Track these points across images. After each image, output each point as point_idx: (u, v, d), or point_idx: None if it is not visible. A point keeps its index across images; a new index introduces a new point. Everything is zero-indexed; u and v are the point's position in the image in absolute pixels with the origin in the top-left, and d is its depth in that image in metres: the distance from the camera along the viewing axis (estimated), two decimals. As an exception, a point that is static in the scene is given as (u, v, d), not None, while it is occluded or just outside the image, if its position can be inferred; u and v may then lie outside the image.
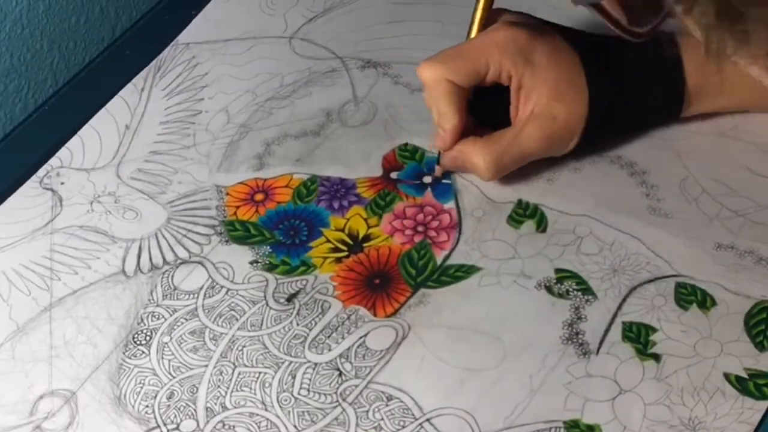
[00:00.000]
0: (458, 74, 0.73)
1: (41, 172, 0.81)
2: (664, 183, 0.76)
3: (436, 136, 0.75)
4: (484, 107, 0.77)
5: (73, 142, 0.83)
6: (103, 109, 0.84)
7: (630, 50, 0.75)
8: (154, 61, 0.87)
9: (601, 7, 0.46)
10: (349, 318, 0.71)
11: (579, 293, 0.71)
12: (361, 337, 0.70)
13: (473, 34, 0.75)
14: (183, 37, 0.89)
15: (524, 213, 0.75)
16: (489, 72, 0.73)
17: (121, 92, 0.85)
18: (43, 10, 0.91)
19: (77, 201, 0.79)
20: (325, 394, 0.68)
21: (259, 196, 0.78)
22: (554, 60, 0.74)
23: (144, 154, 0.82)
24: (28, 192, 0.80)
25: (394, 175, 0.79)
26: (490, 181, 0.76)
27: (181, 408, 0.68)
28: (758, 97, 0.77)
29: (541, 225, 0.75)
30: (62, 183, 0.80)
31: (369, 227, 0.76)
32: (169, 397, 0.68)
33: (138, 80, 0.86)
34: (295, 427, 0.66)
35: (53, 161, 0.82)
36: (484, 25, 0.75)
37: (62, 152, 0.82)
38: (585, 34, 0.77)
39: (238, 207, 0.78)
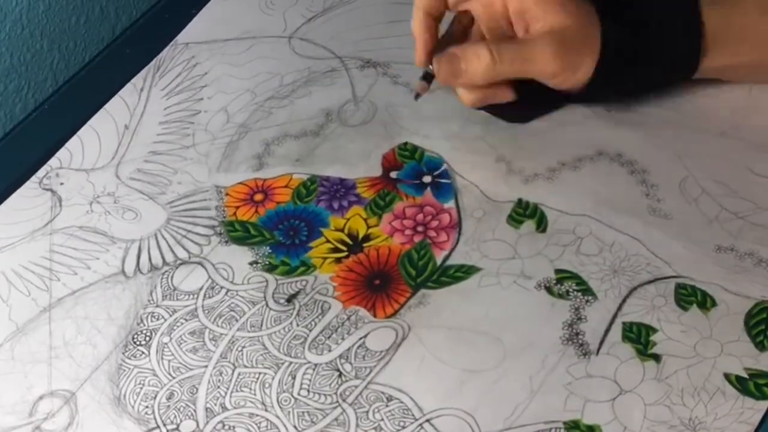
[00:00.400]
0: None
1: (41, 172, 0.81)
2: (664, 183, 0.76)
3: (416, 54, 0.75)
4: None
5: (73, 143, 0.83)
6: (102, 110, 0.84)
7: None
8: (153, 61, 0.87)
9: None
10: (349, 319, 0.71)
11: (579, 294, 0.71)
12: (361, 338, 0.70)
13: None
14: (182, 36, 0.89)
15: (524, 213, 0.75)
16: None
17: (121, 92, 0.85)
18: (43, 10, 0.91)
19: (77, 201, 0.79)
20: (325, 395, 0.68)
21: (258, 197, 0.78)
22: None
23: (143, 155, 0.82)
24: (28, 192, 0.80)
25: (393, 174, 0.79)
26: (479, 91, 0.74)
27: (181, 408, 0.68)
28: None
29: (541, 225, 0.75)
30: (62, 183, 0.80)
31: (369, 227, 0.76)
32: (169, 398, 0.68)
33: (137, 80, 0.86)
34: (295, 427, 0.66)
35: (53, 162, 0.82)
36: None
37: (62, 153, 0.82)
38: None
39: (237, 207, 0.78)
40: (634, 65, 0.74)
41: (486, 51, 0.71)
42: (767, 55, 0.73)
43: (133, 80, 0.86)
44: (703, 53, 0.73)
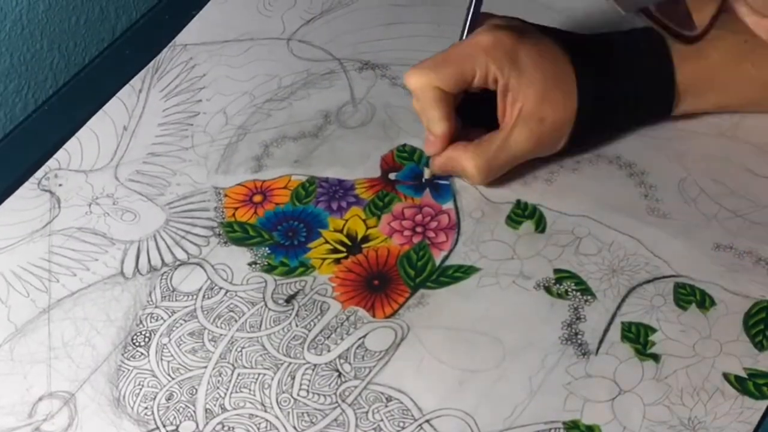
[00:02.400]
0: (445, 80, 0.73)
1: (39, 173, 0.81)
2: (663, 183, 0.76)
3: (426, 142, 0.76)
4: (474, 111, 0.77)
5: (71, 144, 0.82)
6: (100, 111, 0.84)
7: (620, 49, 0.76)
8: (151, 63, 0.87)
9: (649, 13, 0.46)
10: (348, 319, 0.71)
11: (578, 293, 0.71)
12: (360, 338, 0.70)
13: (462, 38, 0.75)
14: (181, 38, 0.89)
15: (523, 213, 0.75)
16: (475, 77, 0.74)
17: (119, 93, 0.85)
18: (43, 10, 0.91)
19: (75, 203, 0.79)
20: (324, 395, 0.68)
21: (257, 198, 0.78)
22: (541, 62, 0.74)
23: (142, 156, 0.82)
24: (26, 194, 0.80)
25: (392, 176, 0.79)
26: (481, 185, 0.76)
27: (181, 409, 0.68)
28: (748, 96, 0.77)
29: (540, 225, 0.75)
30: (60, 185, 0.80)
31: (368, 228, 0.76)
32: (169, 399, 0.68)
33: (136, 82, 0.86)
34: (294, 428, 0.66)
35: (51, 163, 0.81)
36: (472, 29, 0.75)
37: (60, 154, 0.82)
38: (575, 34, 0.78)
39: (236, 208, 0.78)
40: (610, 126, 0.78)
41: (472, 165, 0.75)
42: (731, 99, 0.78)
43: (132, 82, 0.86)
44: (675, 103, 0.77)
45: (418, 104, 0.75)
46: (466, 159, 0.75)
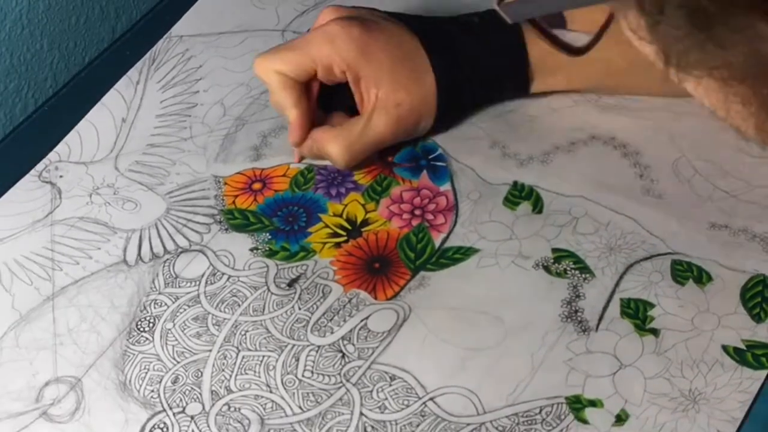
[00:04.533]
0: (287, 65, 0.74)
1: (40, 166, 0.81)
2: (657, 164, 0.77)
3: (289, 129, 0.77)
4: (337, 100, 0.78)
5: (71, 137, 0.83)
6: (99, 103, 0.85)
7: (473, 28, 0.78)
8: (148, 54, 0.88)
9: (536, 24, 0.47)
10: (350, 301, 0.72)
11: (577, 272, 0.72)
12: (362, 320, 0.71)
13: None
14: (176, 29, 0.90)
15: (520, 195, 0.76)
16: (319, 66, 0.75)
17: (117, 86, 0.86)
18: (43, 10, 0.92)
19: (76, 193, 0.79)
20: (329, 376, 0.68)
21: (257, 185, 0.79)
22: (390, 47, 0.75)
23: (141, 147, 0.82)
24: (27, 185, 0.80)
25: (389, 159, 0.79)
26: (345, 169, 0.78)
27: (187, 392, 0.68)
28: (593, 78, 0.79)
29: (537, 206, 0.76)
30: (61, 176, 0.81)
31: (367, 212, 0.77)
32: (174, 382, 0.69)
33: (133, 73, 0.87)
34: (300, 407, 0.67)
35: (51, 156, 0.82)
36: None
37: (60, 147, 0.82)
38: (425, 18, 0.79)
39: (236, 196, 0.78)
40: (471, 104, 0.80)
41: (335, 149, 0.76)
42: (579, 81, 0.79)
43: (129, 73, 0.86)
44: (530, 80, 0.79)
45: (272, 97, 0.77)
46: (328, 143, 0.76)
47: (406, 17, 0.79)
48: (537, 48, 0.77)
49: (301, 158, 0.80)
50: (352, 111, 0.78)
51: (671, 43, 0.38)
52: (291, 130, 0.77)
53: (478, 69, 0.78)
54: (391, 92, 0.75)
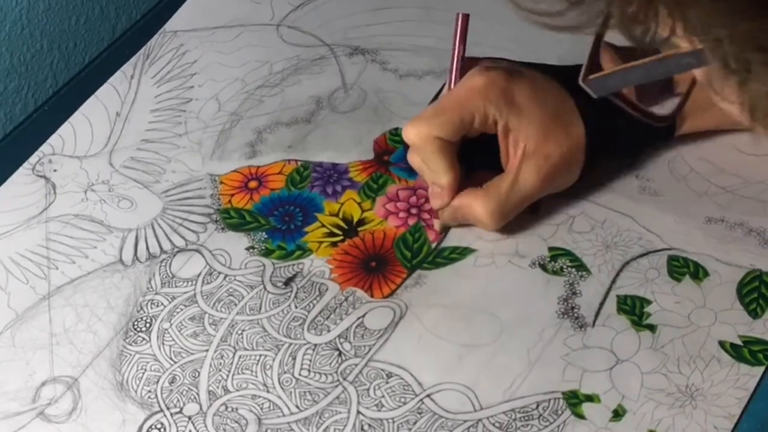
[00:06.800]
0: (445, 129, 0.70)
1: (33, 159, 0.81)
2: (653, 163, 0.77)
3: (432, 195, 0.73)
4: (473, 155, 0.74)
5: (65, 129, 0.83)
6: (93, 97, 0.84)
7: None
8: (142, 49, 0.87)
9: (621, 95, 0.47)
10: (346, 299, 0.72)
11: (573, 270, 0.72)
12: (359, 318, 0.71)
13: (451, 85, 0.73)
14: (171, 24, 0.89)
15: (516, 192, 0.76)
16: (475, 121, 0.71)
17: (111, 80, 0.85)
18: (43, 10, 0.91)
19: (71, 189, 0.79)
20: (326, 374, 0.68)
21: (252, 184, 0.79)
22: (537, 98, 0.72)
23: (136, 142, 0.82)
24: (21, 179, 0.80)
25: (385, 158, 0.79)
26: (494, 230, 0.74)
27: (184, 392, 0.68)
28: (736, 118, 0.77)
29: (533, 205, 0.75)
30: (55, 170, 0.80)
31: (363, 211, 0.77)
32: (172, 382, 0.69)
33: (127, 68, 0.86)
34: (297, 407, 0.67)
35: (45, 148, 0.82)
36: (461, 74, 0.73)
37: (53, 139, 0.82)
38: (565, 66, 0.74)
39: (232, 195, 0.78)
40: (621, 152, 0.76)
41: (484, 211, 0.72)
42: (724, 119, 0.75)
43: (123, 68, 0.86)
44: (678, 124, 0.76)
45: (415, 157, 0.73)
46: (477, 206, 0.72)
47: (546, 67, 0.74)
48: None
49: (443, 229, 0.75)
50: (487, 166, 0.74)
51: (759, 99, 0.39)
52: (440, 195, 0.73)
53: (626, 120, 0.75)
54: (540, 144, 0.71)
